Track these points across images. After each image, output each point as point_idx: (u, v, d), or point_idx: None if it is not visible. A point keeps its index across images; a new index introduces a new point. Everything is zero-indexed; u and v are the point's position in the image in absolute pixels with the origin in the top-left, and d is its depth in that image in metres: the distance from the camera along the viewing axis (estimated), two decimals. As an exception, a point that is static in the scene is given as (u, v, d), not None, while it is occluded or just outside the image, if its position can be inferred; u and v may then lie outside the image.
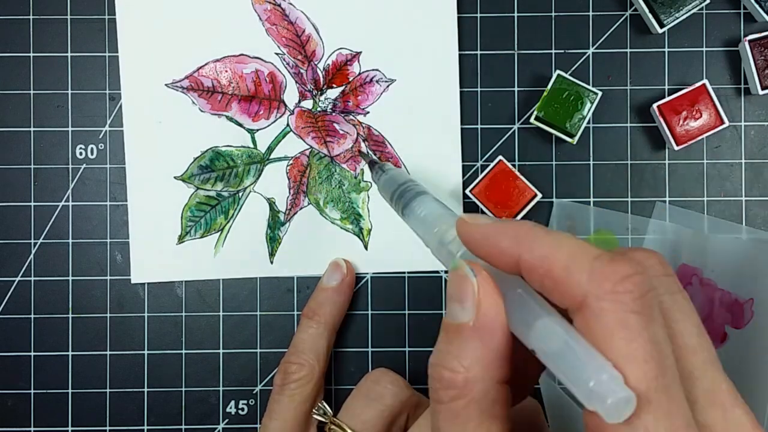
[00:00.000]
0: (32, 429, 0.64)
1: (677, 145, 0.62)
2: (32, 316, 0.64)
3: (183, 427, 0.65)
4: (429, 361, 0.39)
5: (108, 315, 0.65)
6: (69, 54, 0.65)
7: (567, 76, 0.62)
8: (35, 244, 0.65)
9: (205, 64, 0.64)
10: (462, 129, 0.64)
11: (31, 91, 0.65)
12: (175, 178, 0.64)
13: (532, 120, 0.62)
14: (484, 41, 0.65)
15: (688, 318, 0.38)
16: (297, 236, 0.65)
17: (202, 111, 0.64)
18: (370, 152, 0.65)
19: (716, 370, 0.37)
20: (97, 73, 0.65)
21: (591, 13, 0.65)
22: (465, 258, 0.42)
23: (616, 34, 0.65)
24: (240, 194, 0.64)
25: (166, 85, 0.64)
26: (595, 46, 0.65)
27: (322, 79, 0.65)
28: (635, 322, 0.34)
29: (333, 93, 0.64)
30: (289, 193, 0.65)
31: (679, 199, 0.64)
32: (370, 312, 0.65)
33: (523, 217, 0.63)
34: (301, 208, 0.65)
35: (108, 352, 0.65)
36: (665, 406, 0.33)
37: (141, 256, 0.65)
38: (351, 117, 0.64)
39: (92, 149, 0.65)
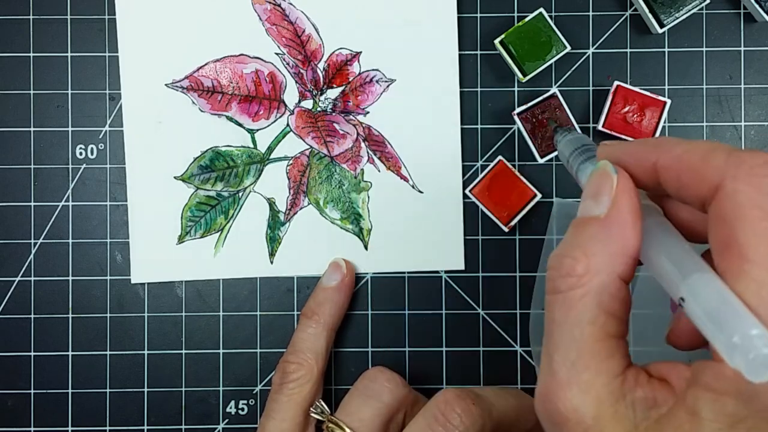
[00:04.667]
0: (32, 429, 0.64)
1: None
2: (32, 316, 0.64)
3: (183, 427, 0.65)
4: (550, 256, 0.40)
5: (108, 315, 0.65)
6: (69, 54, 0.65)
7: (548, 17, 0.62)
8: (35, 244, 0.65)
9: (205, 64, 0.64)
10: (462, 129, 0.64)
11: (31, 91, 0.65)
12: (175, 178, 0.64)
13: (495, 42, 0.63)
14: (484, 41, 0.65)
15: None
16: (297, 236, 0.65)
17: (202, 111, 0.64)
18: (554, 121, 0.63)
19: None
20: (97, 73, 0.65)
21: (591, 13, 0.65)
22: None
23: (616, 34, 0.65)
24: (240, 194, 0.64)
25: (166, 85, 0.64)
26: (595, 46, 0.65)
27: (322, 79, 0.65)
28: None
29: (333, 93, 0.65)
30: (289, 193, 0.65)
31: (679, 199, 0.64)
32: (370, 312, 0.65)
33: (523, 218, 0.63)
34: (301, 208, 0.65)
35: (108, 352, 0.65)
36: None
37: (141, 256, 0.65)
38: (351, 117, 0.64)
39: (92, 149, 0.65)
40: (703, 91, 0.64)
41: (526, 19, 0.62)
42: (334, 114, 0.65)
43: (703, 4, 0.62)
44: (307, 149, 0.65)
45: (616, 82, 0.62)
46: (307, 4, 0.64)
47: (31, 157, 0.65)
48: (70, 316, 0.65)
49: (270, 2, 0.64)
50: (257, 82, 0.64)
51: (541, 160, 0.62)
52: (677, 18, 0.62)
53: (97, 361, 0.65)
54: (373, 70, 0.64)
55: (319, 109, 0.65)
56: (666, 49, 0.65)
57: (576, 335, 0.37)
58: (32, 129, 0.65)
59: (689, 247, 0.39)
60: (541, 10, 0.62)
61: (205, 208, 0.64)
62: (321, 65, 0.65)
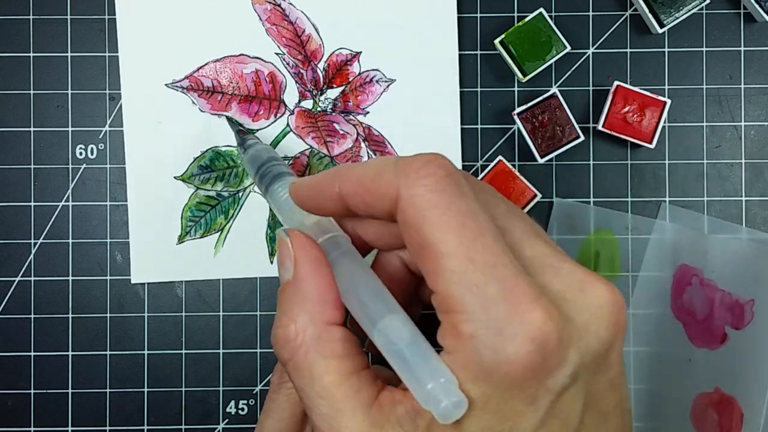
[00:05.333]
0: (32, 429, 0.64)
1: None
2: (32, 316, 0.64)
3: (183, 427, 0.65)
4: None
5: (108, 315, 0.65)
6: (69, 54, 0.65)
7: (548, 17, 0.62)
8: (35, 244, 0.64)
9: (205, 64, 0.64)
10: (462, 129, 0.64)
11: (31, 91, 0.65)
12: (175, 178, 0.64)
13: (495, 42, 0.63)
14: (484, 41, 0.65)
15: (497, 203, 0.41)
16: (297, 237, 0.64)
17: (202, 111, 0.64)
18: (237, 123, 0.64)
19: (537, 237, 0.40)
20: (97, 73, 0.65)
21: (591, 13, 0.65)
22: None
23: (616, 34, 0.65)
24: (240, 194, 0.64)
25: (166, 85, 0.64)
26: (595, 46, 0.65)
27: (322, 79, 0.65)
28: (443, 198, 0.37)
29: (333, 93, 0.65)
30: (289, 193, 0.64)
31: (679, 199, 0.64)
32: (370, 312, 0.65)
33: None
34: (301, 208, 0.65)
35: (108, 352, 0.65)
36: (490, 260, 0.36)
37: (141, 256, 0.64)
38: (351, 117, 0.64)
39: (92, 149, 0.65)
40: (703, 91, 0.65)
41: (526, 19, 0.62)
42: (334, 114, 0.65)
43: (703, 4, 0.62)
44: (307, 149, 0.65)
45: (616, 82, 0.62)
46: (307, 4, 0.64)
47: (31, 157, 0.65)
48: (70, 316, 0.65)
49: (270, 2, 0.64)
50: (257, 82, 0.64)
51: (541, 160, 0.62)
52: (677, 18, 0.62)
53: (97, 361, 0.65)
54: (373, 70, 0.64)
55: (319, 109, 0.65)
56: (666, 49, 0.65)
57: (318, 391, 0.39)
58: (32, 129, 0.65)
59: (379, 285, 0.41)
60: (541, 10, 0.62)
61: (205, 208, 0.64)
62: (321, 65, 0.65)
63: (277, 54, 0.65)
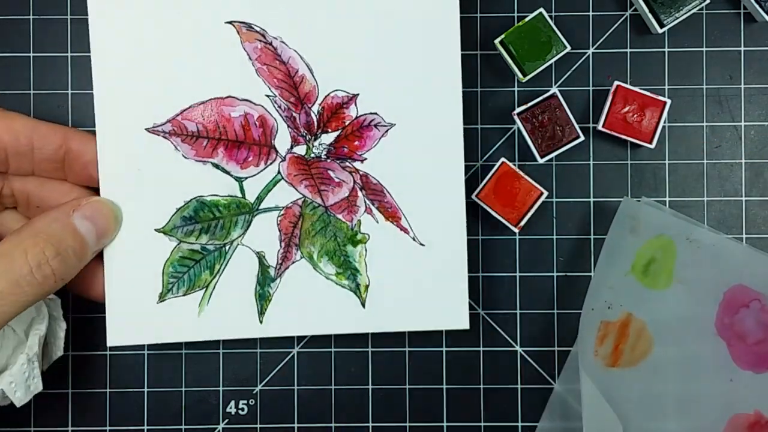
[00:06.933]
0: (32, 429, 0.65)
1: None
2: (33, 316, 0.65)
3: (183, 427, 0.65)
4: None
5: (108, 315, 0.65)
6: (69, 54, 0.65)
7: (548, 17, 0.62)
8: (35, 243, 0.65)
9: (189, 107, 0.61)
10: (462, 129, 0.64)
11: (31, 91, 0.65)
12: (155, 230, 0.61)
13: (495, 42, 0.63)
14: (484, 41, 0.65)
15: None
16: (289, 293, 0.61)
17: (185, 157, 0.61)
18: None
19: None
20: (97, 73, 0.65)
21: (591, 13, 0.65)
22: None
23: (616, 34, 0.65)
24: (227, 248, 0.61)
25: (146, 129, 0.61)
26: (595, 46, 0.65)
27: (316, 123, 0.61)
28: None
29: (328, 138, 0.61)
30: (280, 246, 0.61)
31: (679, 199, 0.64)
32: (368, 313, 0.65)
33: (531, 218, 0.62)
34: (293, 263, 0.61)
35: (108, 353, 0.65)
36: None
37: (118, 316, 0.61)
38: (347, 164, 0.61)
39: (92, 149, 0.65)
40: (703, 91, 0.65)
41: (526, 19, 0.62)
42: (328, 161, 0.61)
43: (703, 4, 0.62)
44: (300, 199, 0.61)
45: (616, 82, 0.62)
46: (301, 42, 0.61)
47: (32, 157, 0.65)
48: (70, 315, 0.65)
49: (261, 40, 0.61)
50: (246, 126, 0.61)
51: (541, 160, 0.62)
52: (677, 18, 0.62)
53: (98, 361, 0.65)
54: (371, 113, 0.61)
55: (312, 155, 0.61)
56: (666, 49, 0.65)
57: None
58: (32, 130, 0.65)
59: None
60: (541, 10, 0.62)
61: (189, 263, 0.61)
62: (315, 108, 0.61)
63: (267, 96, 0.61)
